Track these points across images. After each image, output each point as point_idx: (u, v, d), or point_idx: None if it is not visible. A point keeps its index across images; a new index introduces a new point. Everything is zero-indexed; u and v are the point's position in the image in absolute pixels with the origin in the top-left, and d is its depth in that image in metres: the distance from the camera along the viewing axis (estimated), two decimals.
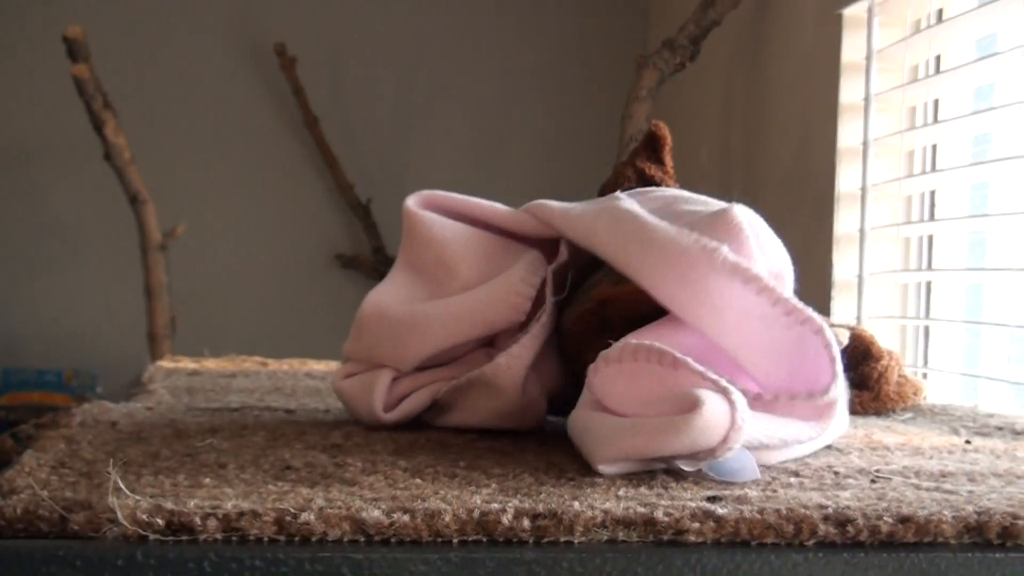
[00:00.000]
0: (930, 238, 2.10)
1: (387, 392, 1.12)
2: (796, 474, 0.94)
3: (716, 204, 1.11)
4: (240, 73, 3.47)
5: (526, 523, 0.72)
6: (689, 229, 0.98)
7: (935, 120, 2.07)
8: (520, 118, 3.58)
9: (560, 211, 1.11)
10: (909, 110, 2.15)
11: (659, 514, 0.73)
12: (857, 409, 1.51)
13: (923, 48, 2.04)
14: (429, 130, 3.55)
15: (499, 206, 1.15)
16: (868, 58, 2.13)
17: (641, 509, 0.74)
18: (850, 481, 0.92)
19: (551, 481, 0.87)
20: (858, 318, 2.12)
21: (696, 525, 0.73)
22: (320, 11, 3.53)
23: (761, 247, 1.02)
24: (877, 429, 1.32)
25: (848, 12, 2.19)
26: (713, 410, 0.85)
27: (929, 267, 2.10)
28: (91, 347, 3.28)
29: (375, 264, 3.33)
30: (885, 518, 0.75)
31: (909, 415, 1.50)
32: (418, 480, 0.87)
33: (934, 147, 2.11)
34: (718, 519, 0.74)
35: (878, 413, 1.51)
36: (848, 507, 0.77)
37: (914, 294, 2.13)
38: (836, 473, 0.95)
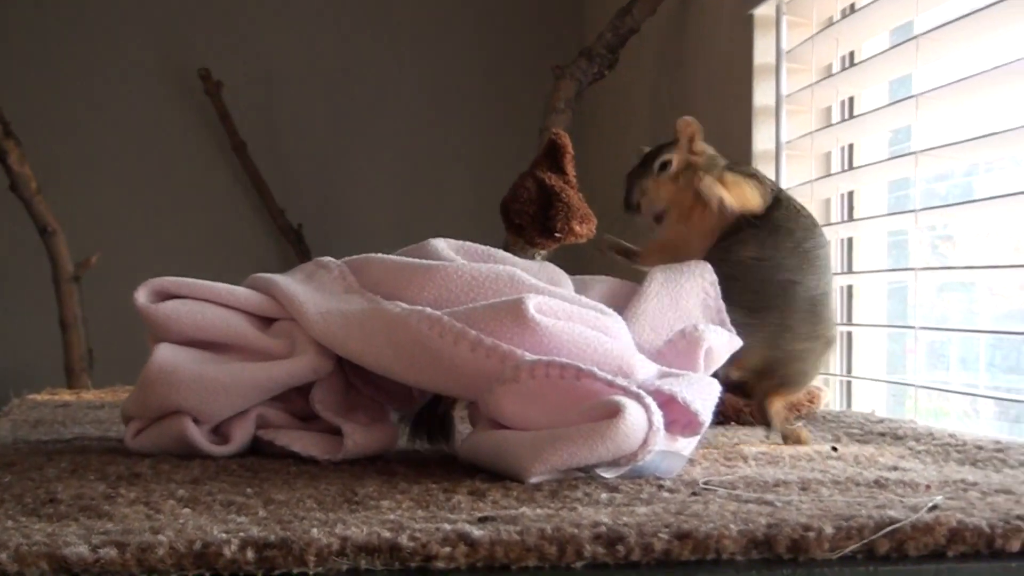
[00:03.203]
0: (849, 240, 2.04)
1: (202, 431, 1.05)
2: (615, 489, 0.87)
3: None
4: (162, 98, 3.39)
5: (250, 555, 0.65)
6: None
7: (850, 119, 2.01)
8: (450, 137, 3.51)
9: (315, 319, 1.05)
10: (825, 110, 2.09)
11: (404, 539, 0.66)
12: (748, 419, 1.44)
13: (831, 45, 1.98)
14: (359, 153, 3.48)
15: (237, 290, 1.10)
16: (778, 59, 2.07)
17: (386, 534, 0.67)
18: (666, 495, 0.85)
19: (331, 506, 0.80)
20: None
21: (447, 550, 0.66)
22: (248, 36, 3.46)
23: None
24: (754, 438, 1.25)
25: (758, 13, 2.12)
26: (633, 415, 0.86)
27: (849, 270, 2.03)
28: (10, 383, 3.18)
29: None
30: (661, 535, 0.68)
31: (800, 423, 1.43)
32: (186, 510, 0.79)
33: (850, 147, 2.04)
34: (472, 543, 0.66)
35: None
36: (625, 524, 0.70)
37: (835, 299, 2.06)
38: (660, 487, 0.88)
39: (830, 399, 1.96)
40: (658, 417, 0.88)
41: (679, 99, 2.61)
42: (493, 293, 1.05)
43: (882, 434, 1.27)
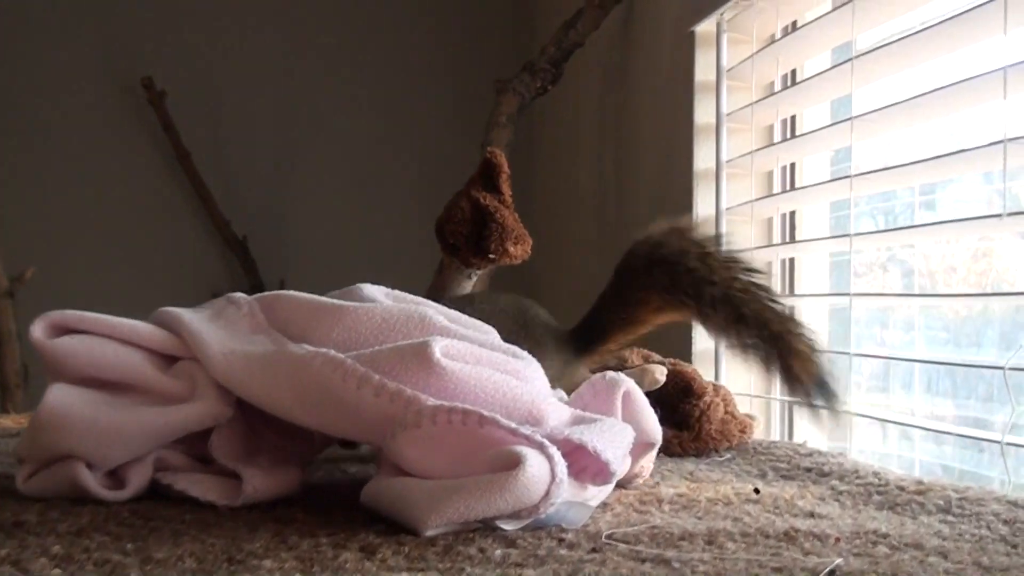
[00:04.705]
0: (791, 261, 2.01)
1: (96, 476, 1.01)
2: (512, 544, 0.84)
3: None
4: (104, 107, 3.34)
5: None
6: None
7: (791, 138, 1.98)
8: (395, 149, 3.47)
9: (217, 359, 1.02)
10: (767, 129, 2.06)
11: None
12: (676, 450, 1.41)
13: (772, 64, 1.95)
14: (305, 164, 3.44)
15: (140, 327, 1.07)
16: (718, 76, 2.04)
17: None
18: (563, 552, 0.81)
19: (210, 566, 0.77)
20: (716, 348, 2.02)
21: None
22: (193, 44, 3.41)
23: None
24: (676, 476, 1.22)
25: (699, 29, 2.10)
26: (534, 466, 0.83)
27: (791, 292, 2.01)
28: None
29: None
30: None
31: (729, 455, 1.40)
32: (56, 571, 0.76)
33: (792, 167, 2.02)
34: None
35: (699, 453, 1.41)
36: None
37: None
38: (560, 540, 0.85)
39: (774, 425, 1.94)
40: (562, 468, 0.85)
41: (623, 115, 2.59)
42: (403, 335, 1.02)
43: (808, 469, 1.24)
